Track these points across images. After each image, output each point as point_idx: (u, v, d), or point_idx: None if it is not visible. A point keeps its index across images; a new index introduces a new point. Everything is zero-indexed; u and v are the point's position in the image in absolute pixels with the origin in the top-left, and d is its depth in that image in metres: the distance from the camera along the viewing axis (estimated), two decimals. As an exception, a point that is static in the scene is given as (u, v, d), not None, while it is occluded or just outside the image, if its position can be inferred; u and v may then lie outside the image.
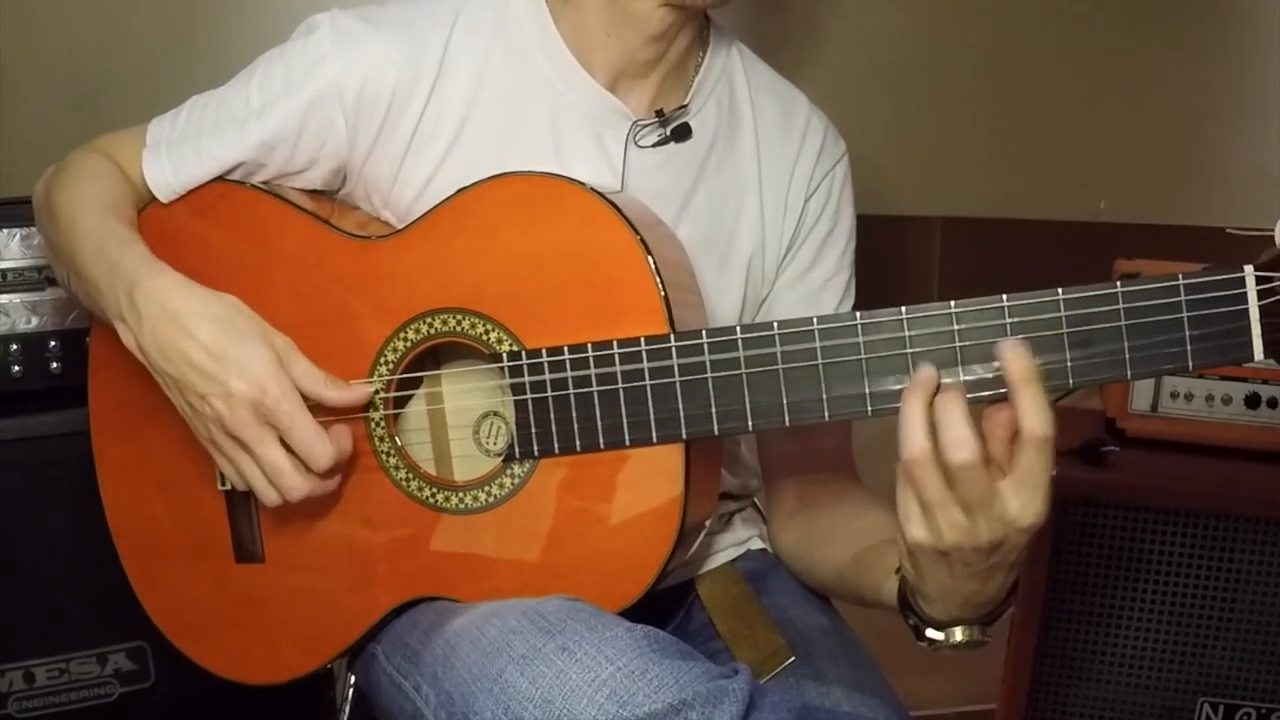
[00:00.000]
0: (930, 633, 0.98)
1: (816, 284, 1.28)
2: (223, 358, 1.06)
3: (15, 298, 1.44)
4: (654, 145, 1.20)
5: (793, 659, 1.14)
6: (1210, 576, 1.55)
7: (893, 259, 1.97)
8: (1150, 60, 1.98)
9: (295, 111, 1.15)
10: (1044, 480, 0.87)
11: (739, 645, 1.19)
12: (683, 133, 1.20)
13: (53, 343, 1.45)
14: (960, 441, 0.86)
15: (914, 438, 0.87)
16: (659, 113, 1.19)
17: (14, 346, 1.44)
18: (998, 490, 0.87)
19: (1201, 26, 1.98)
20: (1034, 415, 0.86)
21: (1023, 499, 0.87)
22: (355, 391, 1.11)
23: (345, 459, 1.11)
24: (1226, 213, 1.93)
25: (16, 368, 1.45)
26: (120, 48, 1.71)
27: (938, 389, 0.89)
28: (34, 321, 1.45)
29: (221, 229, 1.19)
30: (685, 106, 1.21)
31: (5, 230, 1.43)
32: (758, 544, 1.32)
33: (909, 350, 0.94)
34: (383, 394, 1.13)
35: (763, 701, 0.94)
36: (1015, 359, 0.86)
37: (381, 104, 1.15)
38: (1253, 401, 1.61)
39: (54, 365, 1.45)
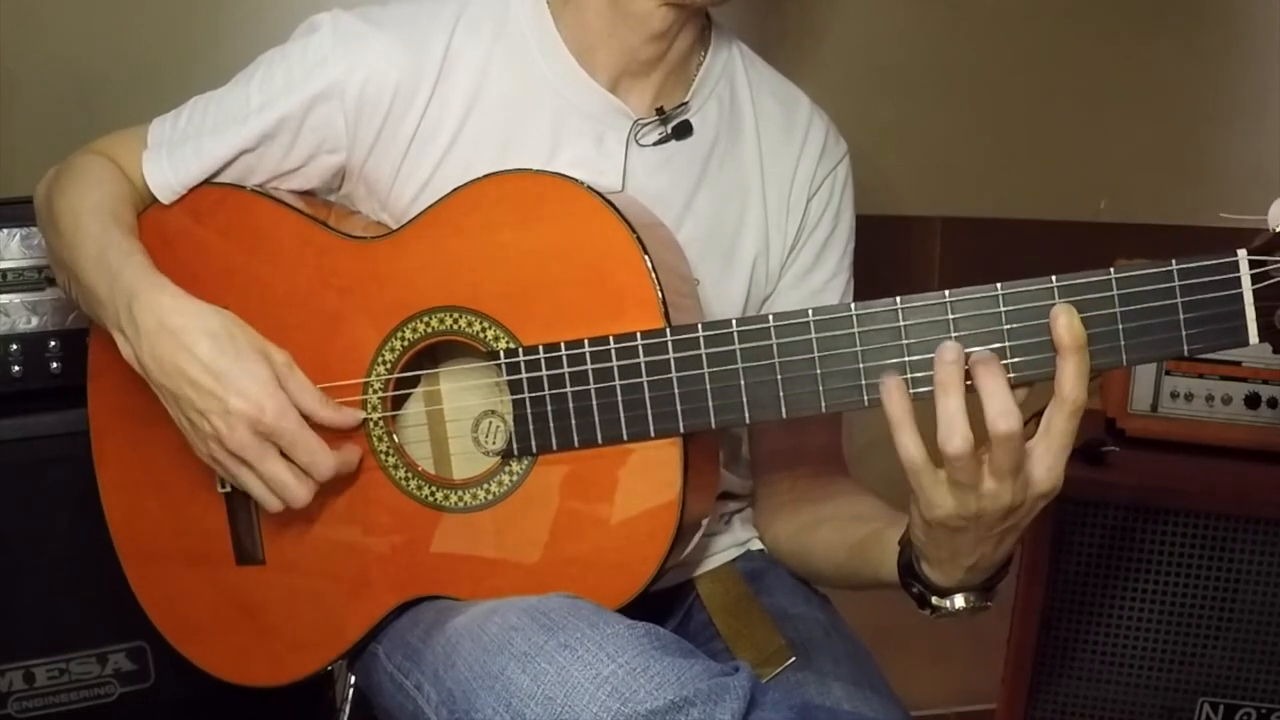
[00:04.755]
0: (935, 600, 0.99)
1: (817, 285, 1.28)
2: (221, 375, 1.05)
3: (15, 298, 1.44)
4: (655, 144, 1.20)
5: (793, 659, 1.14)
6: (1210, 576, 1.55)
7: (893, 259, 1.96)
8: (1150, 60, 1.98)
9: (296, 109, 1.15)
10: (1069, 447, 0.89)
11: (740, 645, 1.18)
12: (683, 130, 1.20)
13: (53, 343, 1.46)
14: (1006, 412, 0.87)
15: (957, 425, 0.87)
16: (659, 110, 1.19)
17: (14, 346, 1.44)
18: (1027, 453, 0.89)
19: (1201, 26, 1.98)
20: (1075, 381, 0.88)
21: (1048, 463, 0.89)
22: (347, 414, 1.11)
23: (349, 470, 1.11)
24: (1226, 213, 1.93)
25: (16, 368, 1.45)
26: (120, 48, 1.71)
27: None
28: (34, 321, 1.45)
29: (220, 232, 1.19)
30: (686, 104, 1.21)
31: (5, 230, 1.44)
32: (758, 544, 1.32)
33: (904, 340, 0.94)
34: (380, 394, 1.13)
35: (764, 699, 0.94)
36: (1066, 325, 0.88)
37: (383, 105, 1.15)
38: (1253, 401, 1.61)
39: (54, 365, 1.46)
